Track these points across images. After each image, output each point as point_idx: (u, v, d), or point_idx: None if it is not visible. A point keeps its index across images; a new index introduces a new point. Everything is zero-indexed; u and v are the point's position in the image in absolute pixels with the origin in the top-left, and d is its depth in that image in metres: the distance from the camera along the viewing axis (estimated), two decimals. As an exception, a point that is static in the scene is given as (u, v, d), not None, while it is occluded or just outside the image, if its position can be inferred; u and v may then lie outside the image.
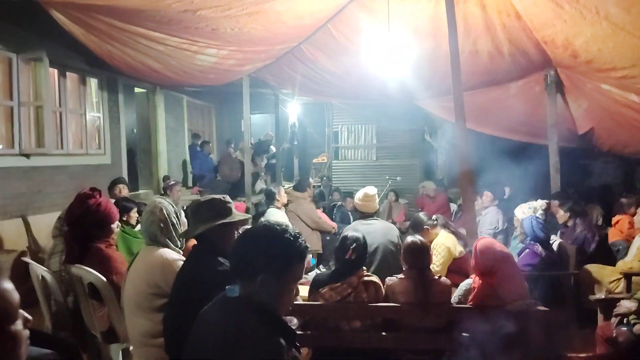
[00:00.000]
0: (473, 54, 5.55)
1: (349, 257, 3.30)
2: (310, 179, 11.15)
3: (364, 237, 3.41)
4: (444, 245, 4.16)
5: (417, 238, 3.49)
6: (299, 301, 3.45)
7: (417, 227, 4.50)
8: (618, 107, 5.45)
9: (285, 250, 1.62)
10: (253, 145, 10.04)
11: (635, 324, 3.25)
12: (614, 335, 3.29)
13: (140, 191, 8.73)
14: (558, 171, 6.01)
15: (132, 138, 9.28)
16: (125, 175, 7.67)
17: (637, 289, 4.05)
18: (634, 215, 4.97)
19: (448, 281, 3.42)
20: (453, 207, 8.20)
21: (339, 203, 8.67)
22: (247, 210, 6.51)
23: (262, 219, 5.38)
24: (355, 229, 4.05)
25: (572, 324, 4.33)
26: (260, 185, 9.60)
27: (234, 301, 1.61)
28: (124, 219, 4.42)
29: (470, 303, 3.26)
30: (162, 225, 2.80)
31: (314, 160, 12.30)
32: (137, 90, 9.16)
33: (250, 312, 1.57)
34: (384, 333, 3.25)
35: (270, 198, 5.67)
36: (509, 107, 6.88)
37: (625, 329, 3.26)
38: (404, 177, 10.12)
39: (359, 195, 4.38)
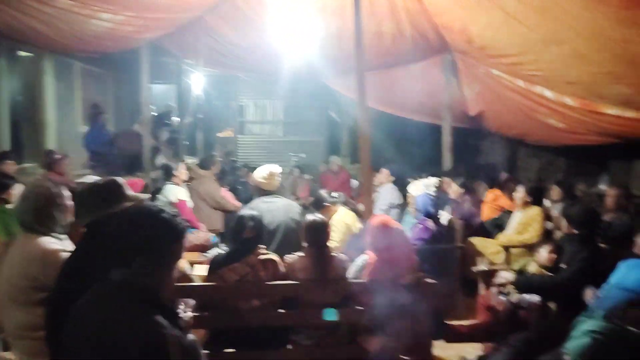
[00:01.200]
0: (377, 35, 5.65)
1: (246, 236, 3.28)
2: (216, 155, 10.93)
3: (260, 216, 3.40)
4: (343, 221, 4.27)
5: (317, 216, 3.54)
6: (197, 282, 3.39)
7: (318, 204, 4.57)
8: (506, 91, 5.85)
9: (162, 230, 1.58)
10: (153, 117, 9.54)
11: (512, 293, 3.57)
12: (493, 303, 3.59)
13: (27, 165, 7.99)
14: (450, 150, 6.38)
15: (17, 107, 8.42)
16: (7, 147, 6.97)
17: (515, 260, 4.44)
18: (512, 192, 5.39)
19: (345, 257, 3.52)
20: (355, 183, 8.41)
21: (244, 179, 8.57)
22: (145, 188, 6.21)
23: (160, 196, 5.17)
24: (255, 207, 4.03)
25: (458, 293, 4.69)
26: (161, 160, 9.19)
27: (111, 287, 1.55)
28: (3, 196, 4.04)
29: (365, 278, 3.39)
30: (37, 212, 2.52)
31: (219, 135, 12.00)
32: (21, 54, 8.29)
33: (127, 296, 1.52)
34: (282, 311, 3.29)
35: (168, 174, 5.45)
36: (409, 87, 7.14)
37: (503, 298, 3.56)
38: (309, 154, 10.23)
39: (261, 173, 4.34)
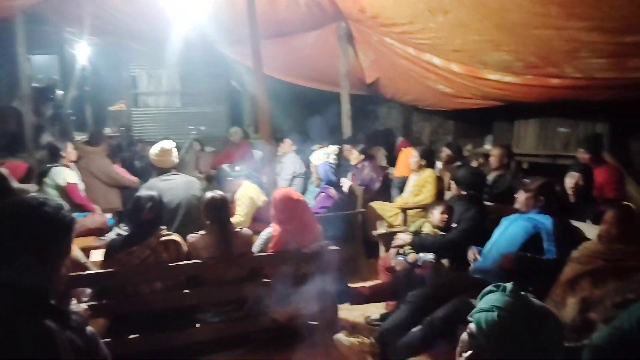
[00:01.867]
0: (270, 2, 5.55)
1: (145, 217, 3.15)
2: (107, 130, 10.24)
3: (159, 196, 3.28)
4: (247, 195, 4.23)
5: (216, 193, 3.47)
6: (93, 269, 3.21)
7: (221, 179, 4.48)
8: (399, 59, 6.05)
9: (45, 226, 1.46)
10: (34, 91, 8.71)
11: (409, 253, 3.78)
12: (393, 264, 3.79)
13: None
14: (349, 117, 6.53)
15: None
16: None
17: (412, 222, 4.69)
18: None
19: (249, 232, 3.51)
20: (259, 153, 8.33)
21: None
22: (29, 171, 5.69)
23: (47, 180, 4.78)
24: (152, 187, 3.87)
25: (361, 256, 4.89)
26: (45, 138, 8.45)
27: None
28: None
29: (271, 250, 3.42)
30: None
31: (111, 108, 11.23)
32: None
33: (10, 300, 1.39)
34: (187, 290, 3.23)
35: (55, 154, 5.02)
36: (307, 56, 7.14)
37: (401, 258, 3.77)
38: (210, 125, 9.92)
39: (154, 150, 4.15)
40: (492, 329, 1.26)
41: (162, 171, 4.15)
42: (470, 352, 1.30)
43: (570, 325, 2.48)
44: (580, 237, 3.18)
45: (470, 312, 1.52)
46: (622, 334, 1.82)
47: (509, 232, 3.25)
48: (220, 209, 3.37)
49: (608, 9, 3.27)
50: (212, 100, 11.01)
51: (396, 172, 6.06)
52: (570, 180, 3.81)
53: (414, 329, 2.99)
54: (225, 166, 4.55)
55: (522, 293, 1.32)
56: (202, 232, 3.36)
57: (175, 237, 3.28)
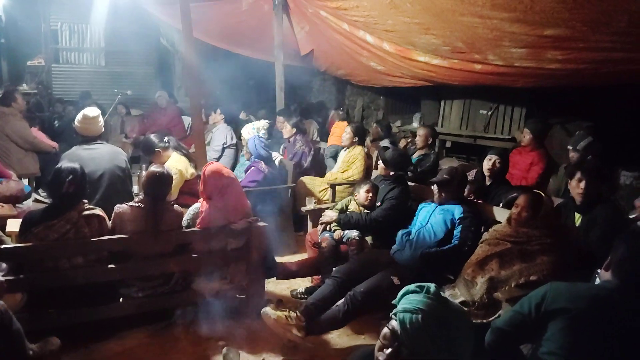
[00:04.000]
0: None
1: (65, 190, 3.04)
2: (24, 86, 9.54)
3: (81, 168, 3.16)
4: (175, 168, 4.15)
5: (161, 168, 3.42)
6: (8, 242, 3.07)
7: (148, 150, 4.36)
8: (333, 33, 6.06)
9: None
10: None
11: (335, 230, 3.91)
12: (319, 240, 3.90)
13: None
14: (283, 89, 6.50)
15: None
16: None
17: (341, 197, 4.82)
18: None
19: (180, 208, 3.48)
20: (188, 119, 8.11)
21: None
22: None
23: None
24: (75, 156, 3.71)
25: (290, 230, 4.98)
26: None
27: None
28: None
29: (199, 226, 3.41)
30: None
31: (29, 63, 10.43)
32: None
33: None
34: (110, 265, 3.17)
35: (-36, 116, 4.67)
36: (240, 22, 6.97)
37: (327, 235, 3.89)
38: (137, 86, 9.48)
39: (78, 117, 3.96)
40: (415, 329, 1.37)
41: (86, 139, 3.97)
42: (391, 349, 1.41)
43: (478, 303, 2.71)
44: (491, 221, 3.44)
45: (389, 287, 1.64)
46: (522, 317, 2.01)
47: (430, 226, 3.44)
48: (162, 185, 3.32)
49: (530, 3, 3.44)
50: (139, 60, 10.47)
51: (329, 141, 6.15)
52: (488, 163, 4.06)
53: (338, 303, 3.14)
54: (152, 136, 4.42)
55: (442, 295, 1.45)
56: (132, 203, 3.29)
57: (99, 211, 3.19)
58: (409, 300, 1.44)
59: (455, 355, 1.37)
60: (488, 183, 4.07)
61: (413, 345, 1.36)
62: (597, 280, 2.20)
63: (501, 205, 3.59)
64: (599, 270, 2.13)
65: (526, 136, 4.88)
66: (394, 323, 1.41)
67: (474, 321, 2.60)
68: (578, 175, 3.14)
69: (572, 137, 5.14)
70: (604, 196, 3.21)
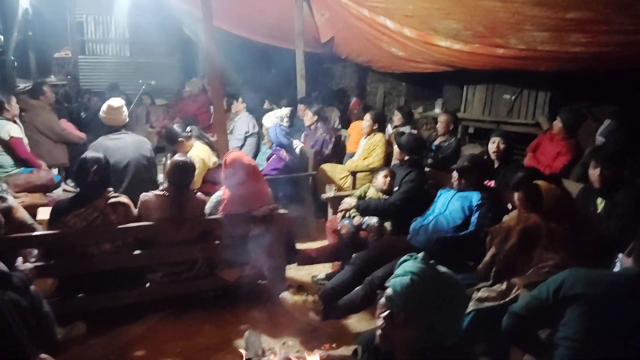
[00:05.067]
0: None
1: (91, 179, 3.14)
2: (52, 78, 9.75)
3: (105, 157, 3.26)
4: (198, 157, 4.23)
5: (185, 157, 3.52)
6: (40, 230, 3.20)
7: (171, 139, 4.45)
8: (353, 19, 6.03)
9: None
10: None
11: (354, 217, 3.94)
12: (339, 227, 3.94)
13: None
14: (304, 77, 6.51)
15: None
16: None
17: (361, 184, 4.84)
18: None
19: (203, 196, 3.57)
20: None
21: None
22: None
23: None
24: (100, 146, 3.83)
25: (310, 217, 5.03)
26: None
27: None
28: None
29: (221, 213, 3.49)
30: None
31: (56, 55, 10.66)
32: None
33: None
34: (137, 251, 3.28)
35: (-2, 108, 4.81)
36: (261, 10, 6.99)
37: (347, 222, 3.93)
38: (162, 76, 9.59)
39: (103, 107, 4.07)
40: (406, 291, 1.43)
41: (111, 129, 4.08)
42: (386, 313, 1.46)
43: (495, 290, 2.71)
44: (508, 207, 3.42)
45: None
46: (540, 302, 2.02)
47: (448, 213, 3.44)
48: (185, 173, 3.42)
49: (552, -15, 3.40)
50: (163, 51, 10.63)
51: (348, 147, 6.11)
52: (492, 146, 4.08)
53: (356, 288, 3.19)
54: (175, 126, 4.51)
55: (431, 261, 1.51)
56: (157, 192, 3.39)
57: (124, 199, 3.30)
58: (400, 268, 1.51)
59: (447, 315, 1.42)
60: (496, 166, 4.06)
61: (406, 308, 1.42)
62: (618, 267, 2.19)
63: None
64: (620, 256, 2.11)
65: (557, 125, 4.79)
66: (388, 290, 1.47)
67: (489, 305, 2.61)
68: (593, 162, 3.12)
69: (597, 122, 5.05)
70: (627, 180, 3.16)
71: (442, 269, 1.52)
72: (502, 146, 4.02)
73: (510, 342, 2.27)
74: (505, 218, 3.14)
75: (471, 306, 2.71)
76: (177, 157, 3.50)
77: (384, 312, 1.48)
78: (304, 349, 3.04)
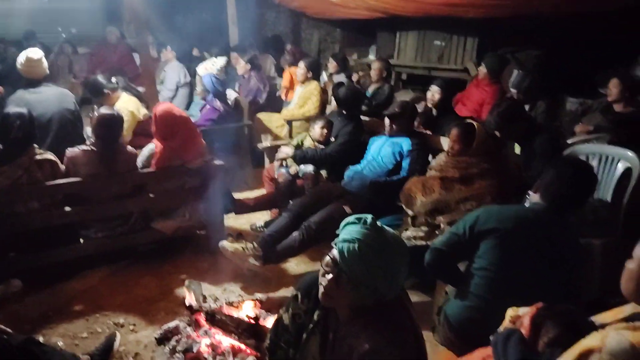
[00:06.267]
0: None
1: (14, 136, 2.99)
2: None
3: (29, 112, 3.11)
4: (126, 109, 4.09)
5: (111, 110, 3.38)
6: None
7: (96, 92, 4.25)
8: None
9: None
10: None
11: (291, 166, 4.00)
12: (276, 176, 3.99)
13: None
14: (236, 24, 6.33)
15: None
16: None
17: (297, 133, 4.88)
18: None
19: (133, 150, 3.49)
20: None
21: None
22: None
23: None
24: (21, 100, 3.62)
25: (248, 166, 5.05)
26: None
27: None
28: None
29: (154, 167, 3.44)
30: None
31: (-39, -2, 9.67)
32: None
33: None
34: (67, 208, 3.20)
35: None
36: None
37: (284, 170, 3.98)
38: (82, 24, 9.00)
39: (20, 59, 3.81)
40: (353, 257, 1.48)
41: (32, 82, 3.84)
42: (332, 276, 1.53)
43: (420, 223, 2.89)
44: (438, 151, 3.59)
45: (342, 217, 1.75)
46: (457, 238, 2.18)
47: (380, 158, 3.56)
48: (112, 127, 3.30)
49: None
50: (84, -4, 9.86)
51: (283, 94, 6.03)
52: (429, 94, 4.18)
53: (294, 233, 3.29)
54: (100, 77, 4.30)
55: (379, 225, 1.55)
56: (84, 147, 3.28)
57: (50, 155, 3.18)
58: (347, 230, 1.54)
59: (391, 279, 1.51)
60: (435, 114, 4.20)
61: (351, 272, 1.48)
62: (528, 203, 2.38)
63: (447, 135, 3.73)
64: (529, 192, 2.30)
65: (482, 70, 4.95)
66: (335, 252, 1.52)
67: (417, 243, 2.79)
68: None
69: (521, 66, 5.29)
70: (542, 127, 3.37)
71: (387, 231, 1.57)
72: (437, 96, 4.10)
73: (432, 275, 2.45)
74: (433, 162, 3.32)
75: None
76: (103, 110, 3.37)
77: (328, 273, 1.54)
78: (245, 293, 3.15)
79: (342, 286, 1.51)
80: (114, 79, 4.24)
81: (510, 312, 1.80)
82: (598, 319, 1.56)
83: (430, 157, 3.55)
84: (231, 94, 5.19)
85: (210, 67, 5.09)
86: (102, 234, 3.34)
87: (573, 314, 1.64)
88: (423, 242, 2.80)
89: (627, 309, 1.48)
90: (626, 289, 1.38)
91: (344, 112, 4.05)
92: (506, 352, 1.61)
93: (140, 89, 4.48)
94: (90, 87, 4.31)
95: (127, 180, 3.38)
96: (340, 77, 5.44)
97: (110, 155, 3.28)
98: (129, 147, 3.47)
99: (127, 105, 4.11)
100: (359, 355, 1.45)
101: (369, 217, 1.56)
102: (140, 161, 3.49)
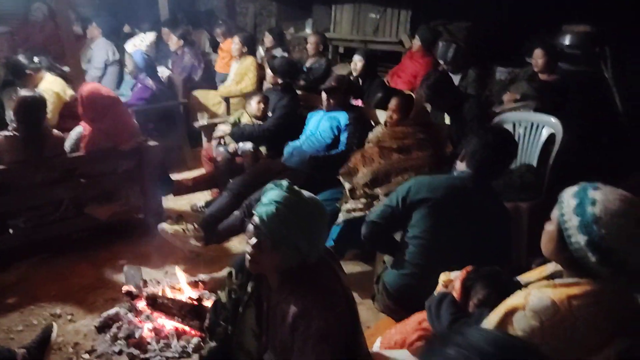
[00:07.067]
0: None
1: None
2: None
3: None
4: (51, 90, 3.87)
5: (31, 92, 3.19)
6: None
7: (17, 73, 3.99)
8: None
9: None
10: None
11: (229, 144, 3.95)
12: (214, 154, 3.94)
13: None
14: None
15: None
16: None
17: (235, 110, 4.81)
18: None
19: (60, 133, 3.33)
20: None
21: None
22: None
23: None
24: None
25: (185, 146, 4.94)
26: None
27: None
28: None
29: (84, 150, 3.30)
30: None
31: None
32: None
33: None
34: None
35: None
36: None
37: (222, 149, 3.93)
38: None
39: None
40: (272, 220, 1.51)
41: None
42: (254, 239, 1.55)
43: (359, 192, 2.95)
44: (375, 123, 3.65)
45: None
46: (391, 210, 2.25)
47: (318, 133, 3.58)
48: (34, 110, 3.12)
49: None
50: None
51: (217, 66, 5.89)
52: (352, 64, 4.31)
53: (235, 212, 3.28)
54: (20, 57, 4.04)
55: (296, 188, 1.58)
56: (6, 132, 3.10)
57: (-32, 143, 2.98)
58: (266, 196, 1.57)
59: (310, 237, 1.55)
60: (361, 83, 4.28)
61: (271, 234, 1.51)
62: (455, 172, 2.47)
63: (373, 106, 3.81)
64: (457, 161, 2.39)
65: (416, 43, 5.04)
66: (255, 218, 1.55)
67: (356, 215, 2.85)
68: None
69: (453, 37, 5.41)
70: (469, 95, 3.49)
71: (306, 193, 1.60)
72: (359, 64, 4.21)
73: (369, 247, 2.52)
74: (371, 135, 3.37)
75: (341, 217, 2.94)
76: (24, 92, 3.18)
77: (251, 239, 1.56)
78: (187, 275, 3.12)
79: (266, 250, 1.54)
80: (36, 59, 3.99)
81: (443, 277, 1.90)
82: (523, 278, 1.67)
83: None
84: (163, 72, 5.02)
85: (139, 43, 4.90)
86: (32, 222, 3.19)
87: (499, 275, 1.74)
88: (362, 214, 2.86)
89: (549, 268, 1.59)
90: (546, 249, 1.46)
91: (280, 82, 4.01)
92: (439, 314, 1.70)
93: (66, 68, 4.24)
94: (11, 68, 4.03)
95: (55, 166, 3.23)
96: (278, 52, 5.37)
97: (35, 140, 3.11)
98: (55, 131, 3.30)
99: (51, 86, 3.89)
100: (290, 319, 1.50)
101: (284, 182, 1.59)
102: (68, 145, 3.35)
